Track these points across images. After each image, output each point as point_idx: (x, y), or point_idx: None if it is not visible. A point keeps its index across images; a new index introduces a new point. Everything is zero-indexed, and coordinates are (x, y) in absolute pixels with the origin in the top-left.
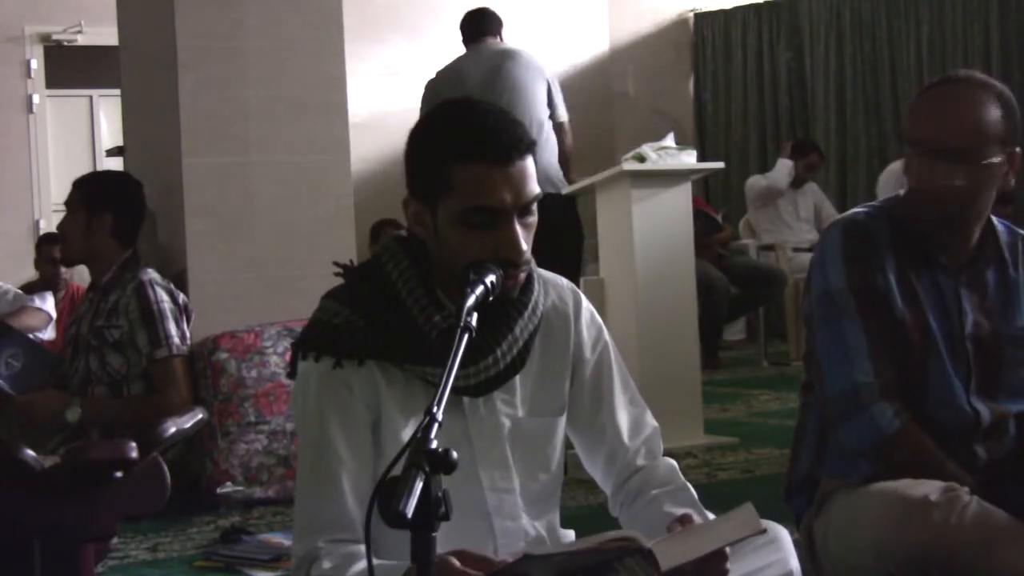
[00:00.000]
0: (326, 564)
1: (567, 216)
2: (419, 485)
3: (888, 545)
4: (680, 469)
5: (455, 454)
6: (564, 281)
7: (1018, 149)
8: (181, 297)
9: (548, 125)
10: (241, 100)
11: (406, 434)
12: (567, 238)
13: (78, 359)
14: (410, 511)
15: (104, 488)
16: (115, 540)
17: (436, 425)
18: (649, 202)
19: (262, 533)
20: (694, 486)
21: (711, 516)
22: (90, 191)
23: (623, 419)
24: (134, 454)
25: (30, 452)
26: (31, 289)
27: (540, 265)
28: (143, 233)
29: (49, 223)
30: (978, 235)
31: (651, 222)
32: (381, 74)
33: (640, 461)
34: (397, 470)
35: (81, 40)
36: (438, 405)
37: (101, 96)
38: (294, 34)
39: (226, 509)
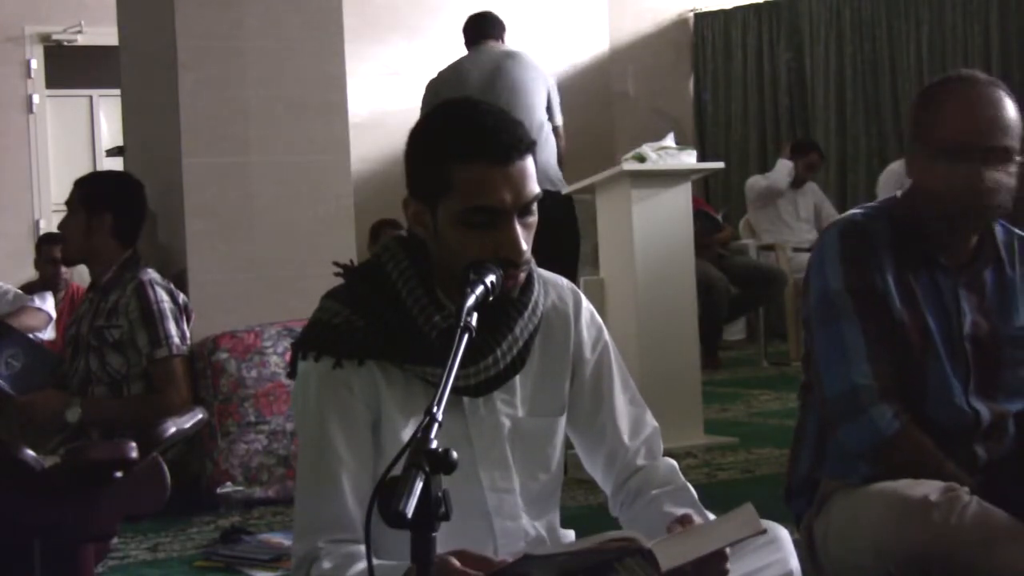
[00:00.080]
0: (326, 564)
1: (566, 216)
2: (419, 485)
3: (888, 545)
4: (680, 469)
5: (455, 454)
6: (564, 281)
7: None
8: (181, 297)
9: (548, 126)
10: (241, 100)
11: (406, 434)
12: (566, 238)
13: (78, 359)
14: (410, 511)
15: (104, 488)
16: (115, 540)
17: (436, 425)
18: (649, 202)
19: (262, 533)
20: (694, 486)
21: (711, 516)
22: (90, 191)
23: (623, 419)
24: (134, 454)
25: (30, 452)
26: (31, 289)
27: (539, 264)
28: (143, 233)
29: (49, 223)
30: (977, 235)
31: (651, 222)
32: (381, 74)
33: (640, 461)
34: (397, 470)
35: (81, 40)
36: (438, 405)
37: (101, 96)
38: (294, 34)
39: (226, 509)
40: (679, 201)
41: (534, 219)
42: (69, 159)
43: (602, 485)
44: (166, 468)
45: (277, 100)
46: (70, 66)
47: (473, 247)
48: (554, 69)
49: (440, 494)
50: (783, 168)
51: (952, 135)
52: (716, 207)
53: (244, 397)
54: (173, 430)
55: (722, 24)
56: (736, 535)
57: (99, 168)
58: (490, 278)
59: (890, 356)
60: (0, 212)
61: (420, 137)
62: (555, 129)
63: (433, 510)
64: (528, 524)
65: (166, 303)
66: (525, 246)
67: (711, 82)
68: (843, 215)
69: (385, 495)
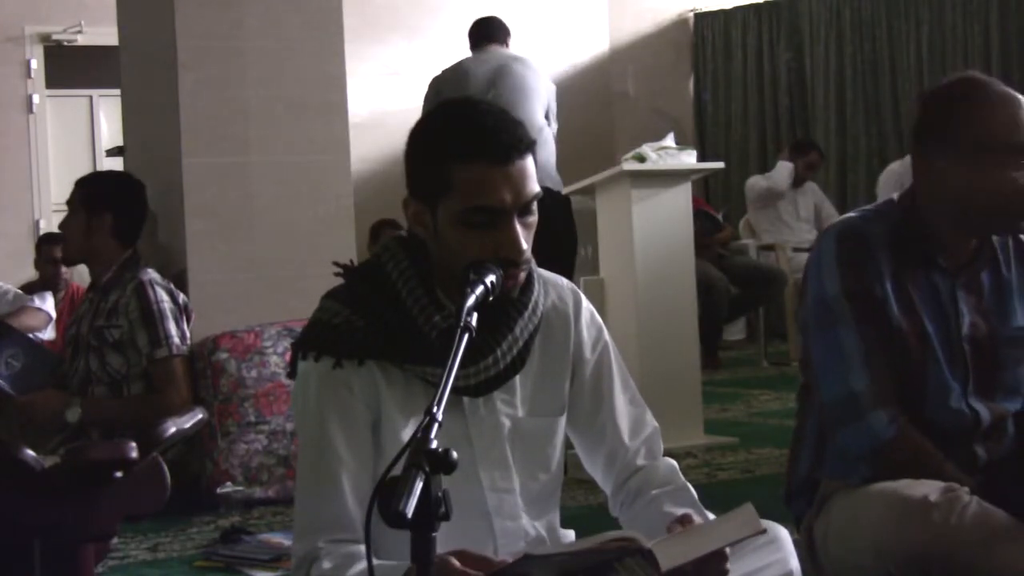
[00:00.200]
0: (326, 564)
1: (565, 216)
2: (419, 485)
3: (888, 545)
4: (680, 469)
5: (455, 454)
6: (564, 281)
7: None
8: (181, 297)
9: (547, 128)
10: (241, 100)
11: (406, 434)
12: (564, 237)
13: (78, 359)
14: (410, 511)
15: (104, 488)
16: (115, 540)
17: (436, 425)
18: (649, 202)
19: (262, 533)
20: (694, 486)
21: (711, 516)
22: (91, 191)
23: (623, 419)
24: (134, 454)
25: (30, 452)
26: (31, 289)
27: (537, 264)
28: (144, 233)
29: (49, 223)
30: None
31: (651, 222)
32: (381, 74)
33: (640, 461)
34: (397, 470)
35: (81, 40)
36: (438, 405)
37: (101, 96)
38: (294, 34)
39: (226, 509)
40: (679, 201)
41: (534, 219)
42: (69, 159)
43: (602, 485)
44: (166, 468)
45: (277, 100)
46: (70, 66)
47: (473, 247)
48: (554, 69)
49: (440, 494)
50: (783, 170)
51: (998, 134)
52: (716, 207)
53: (244, 397)
54: (173, 430)
55: (722, 24)
56: (736, 535)
57: (99, 168)
58: (490, 278)
59: (888, 360)
60: (0, 212)
61: (420, 137)
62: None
63: (433, 510)
64: (528, 524)
65: (166, 303)
66: (525, 246)
67: (711, 82)
68: (840, 218)
69: (385, 495)
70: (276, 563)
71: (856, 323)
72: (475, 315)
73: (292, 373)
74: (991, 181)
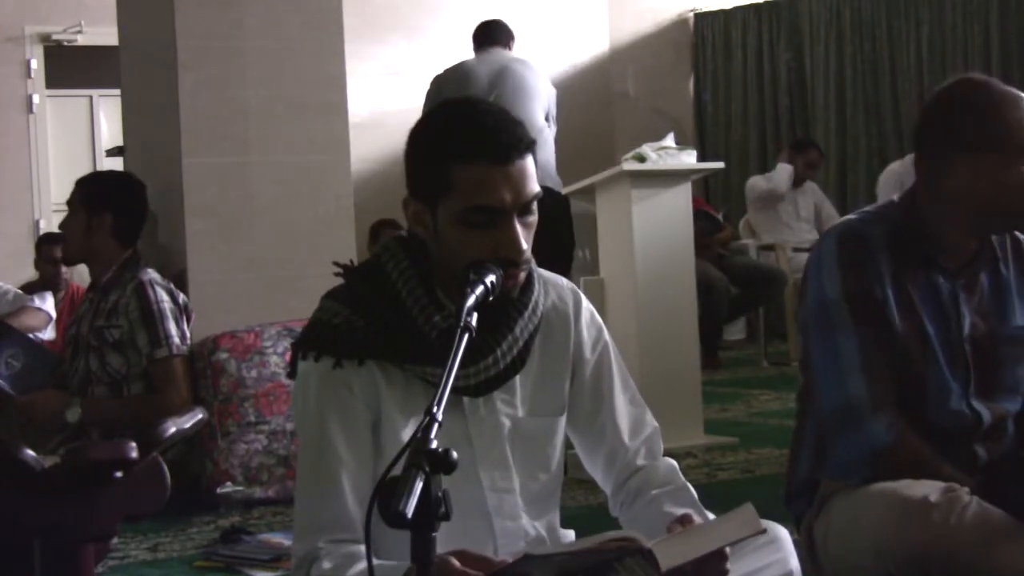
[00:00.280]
0: (326, 564)
1: (564, 215)
2: (419, 485)
3: (888, 545)
4: (680, 469)
5: (455, 454)
6: (564, 281)
7: None
8: (181, 297)
9: (547, 129)
10: (241, 100)
11: (406, 434)
12: (564, 237)
13: (78, 359)
14: (410, 511)
15: (104, 488)
16: (115, 540)
17: (436, 425)
18: (649, 202)
19: (262, 533)
20: (694, 486)
21: (711, 516)
22: (91, 191)
23: (623, 419)
24: (134, 454)
25: (30, 452)
26: (31, 289)
27: (537, 263)
28: (144, 233)
29: (49, 223)
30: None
31: (651, 222)
32: (381, 74)
33: (640, 461)
34: (397, 470)
35: (81, 40)
36: (438, 405)
37: (101, 96)
38: (294, 34)
39: (226, 509)
40: (679, 201)
41: (534, 218)
42: (69, 159)
43: (602, 485)
44: (166, 468)
45: (277, 100)
46: (70, 66)
47: (473, 247)
48: (554, 69)
49: (440, 494)
50: (783, 172)
51: (1000, 135)
52: (716, 207)
53: (244, 397)
54: (173, 430)
55: (722, 24)
56: (736, 535)
57: (99, 168)
58: (490, 278)
59: (887, 363)
60: (0, 212)
61: (420, 137)
62: None
63: (433, 510)
64: (528, 524)
65: (166, 303)
66: (525, 245)
67: (711, 82)
68: (841, 220)
69: (385, 495)
70: (276, 563)
71: (856, 326)
72: (475, 315)
73: (292, 373)
74: (993, 181)
